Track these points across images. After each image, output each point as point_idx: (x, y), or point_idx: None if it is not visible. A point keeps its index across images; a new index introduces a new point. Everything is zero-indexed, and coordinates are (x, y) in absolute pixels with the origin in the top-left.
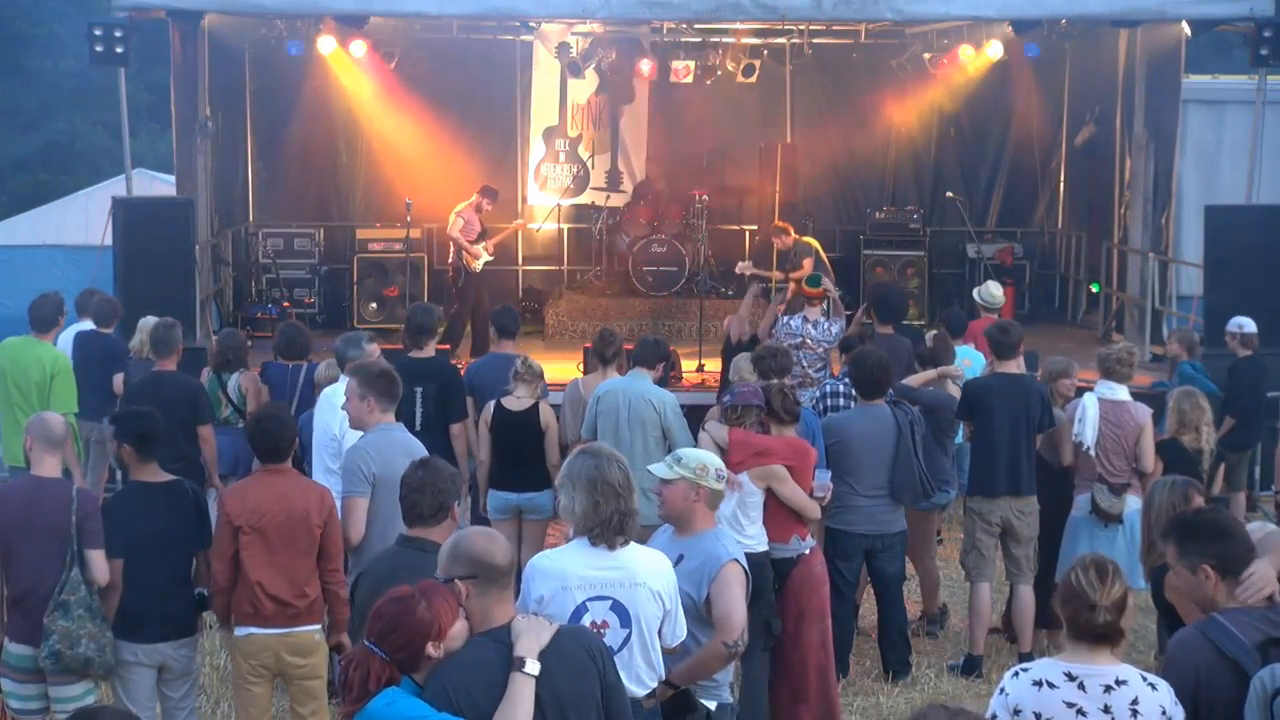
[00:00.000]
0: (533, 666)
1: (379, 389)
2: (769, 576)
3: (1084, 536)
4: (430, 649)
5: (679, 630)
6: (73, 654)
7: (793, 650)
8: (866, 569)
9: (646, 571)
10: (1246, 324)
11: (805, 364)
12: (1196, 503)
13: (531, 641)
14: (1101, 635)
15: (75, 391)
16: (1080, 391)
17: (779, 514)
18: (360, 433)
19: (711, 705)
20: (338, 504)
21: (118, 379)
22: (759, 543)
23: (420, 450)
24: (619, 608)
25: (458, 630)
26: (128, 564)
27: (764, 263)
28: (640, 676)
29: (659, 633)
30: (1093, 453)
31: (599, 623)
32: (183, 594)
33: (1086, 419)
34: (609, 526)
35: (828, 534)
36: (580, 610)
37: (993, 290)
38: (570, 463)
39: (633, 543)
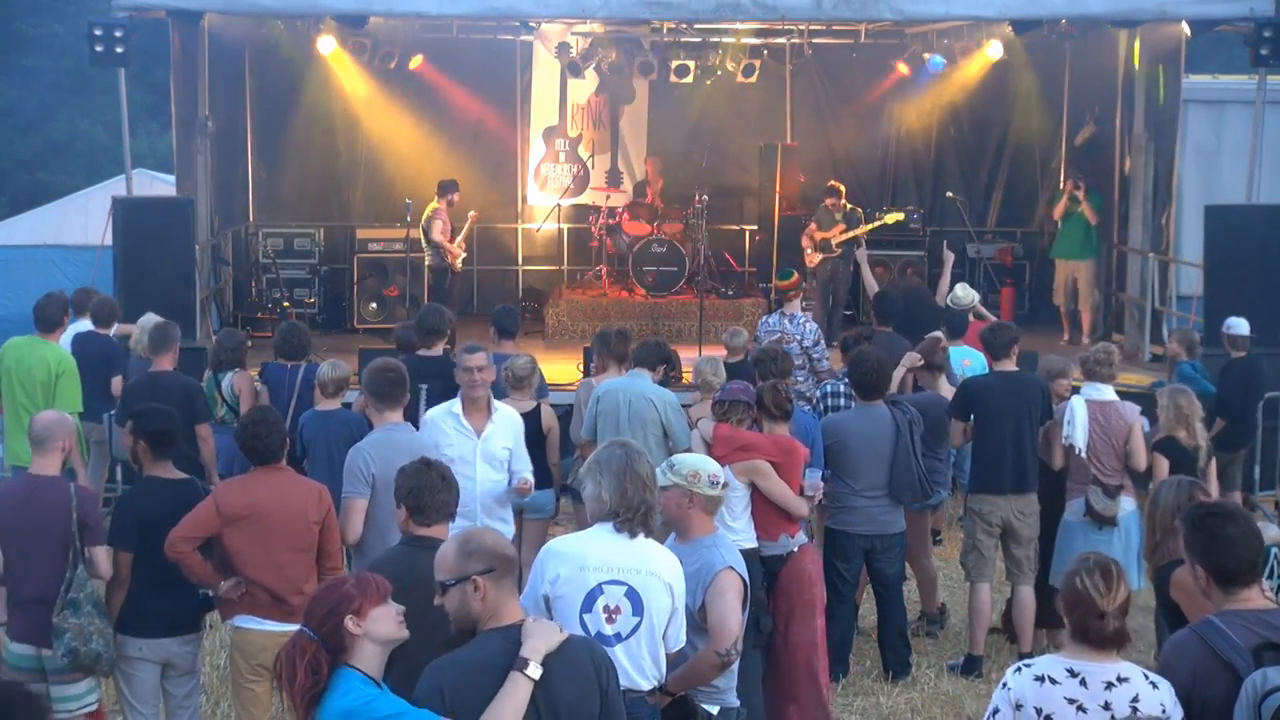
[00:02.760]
0: (535, 670)
1: (370, 387)
2: (758, 574)
3: (1079, 540)
4: (350, 624)
5: (681, 635)
6: (86, 650)
7: (783, 649)
8: (866, 569)
9: (660, 564)
10: (1234, 325)
11: None
12: (1198, 501)
13: (539, 644)
14: (1109, 641)
15: (80, 391)
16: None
17: (768, 511)
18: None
19: (714, 710)
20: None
21: (116, 381)
22: (746, 539)
23: (425, 448)
24: (633, 594)
25: (380, 615)
26: (136, 559)
27: (826, 224)
28: (645, 669)
29: (664, 634)
30: (1083, 455)
31: (612, 607)
32: (189, 590)
33: (1076, 421)
34: (636, 514)
35: (827, 534)
36: (595, 592)
37: (958, 293)
38: (599, 453)
39: (651, 537)
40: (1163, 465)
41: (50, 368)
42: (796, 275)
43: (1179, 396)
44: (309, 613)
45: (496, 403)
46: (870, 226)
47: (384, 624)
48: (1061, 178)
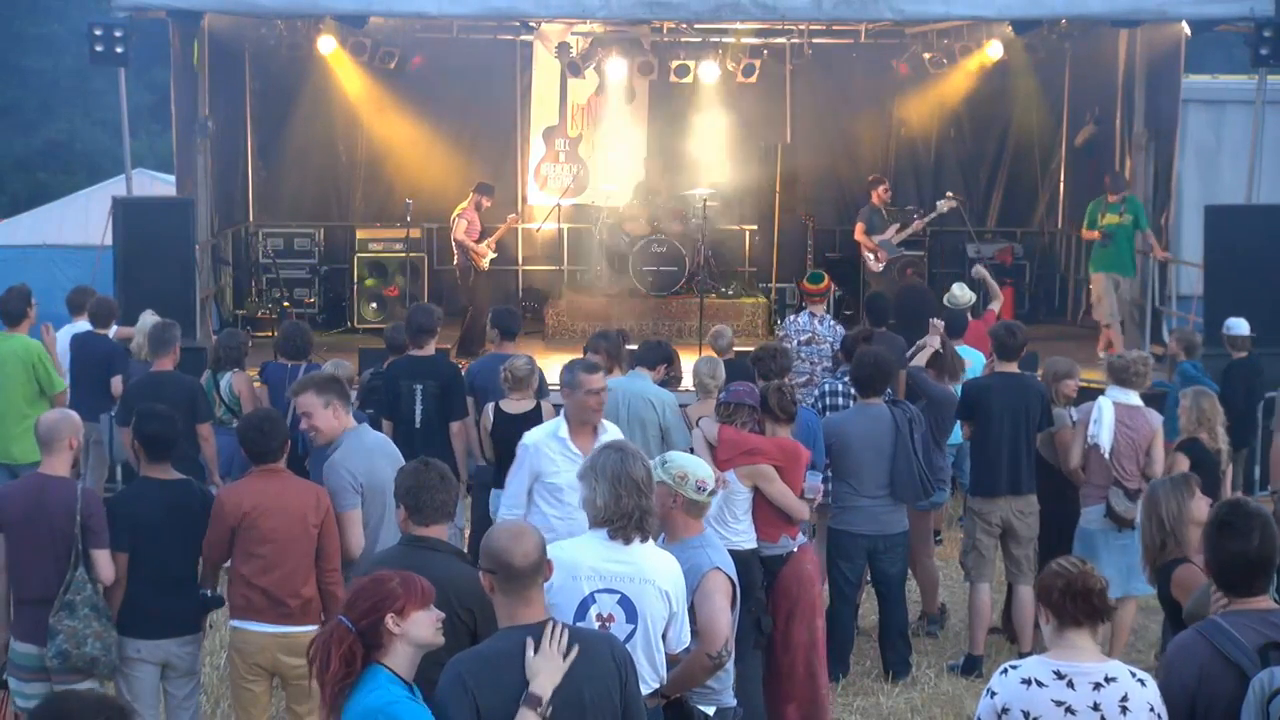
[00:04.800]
0: (547, 709)
1: (340, 391)
2: (758, 574)
3: (1099, 544)
4: (390, 623)
5: (684, 636)
6: (79, 653)
7: (782, 649)
8: (869, 569)
9: (656, 570)
10: (1234, 326)
11: (814, 360)
12: (1196, 495)
13: (547, 681)
14: (1095, 612)
15: (53, 370)
16: (1085, 393)
17: (768, 513)
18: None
19: (710, 711)
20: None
21: (116, 381)
22: (746, 540)
23: (392, 447)
24: (626, 603)
25: (421, 618)
26: (132, 559)
27: (878, 223)
28: (643, 675)
29: (664, 636)
30: (1107, 456)
31: (605, 616)
32: (187, 592)
33: (1103, 422)
34: (630, 521)
35: (830, 534)
36: (588, 602)
37: (955, 293)
38: (594, 456)
39: (648, 542)
40: (1183, 466)
41: (20, 357)
42: (827, 279)
43: (1202, 399)
44: (350, 604)
45: (605, 422)
46: (928, 219)
47: (423, 628)
48: (1062, 178)
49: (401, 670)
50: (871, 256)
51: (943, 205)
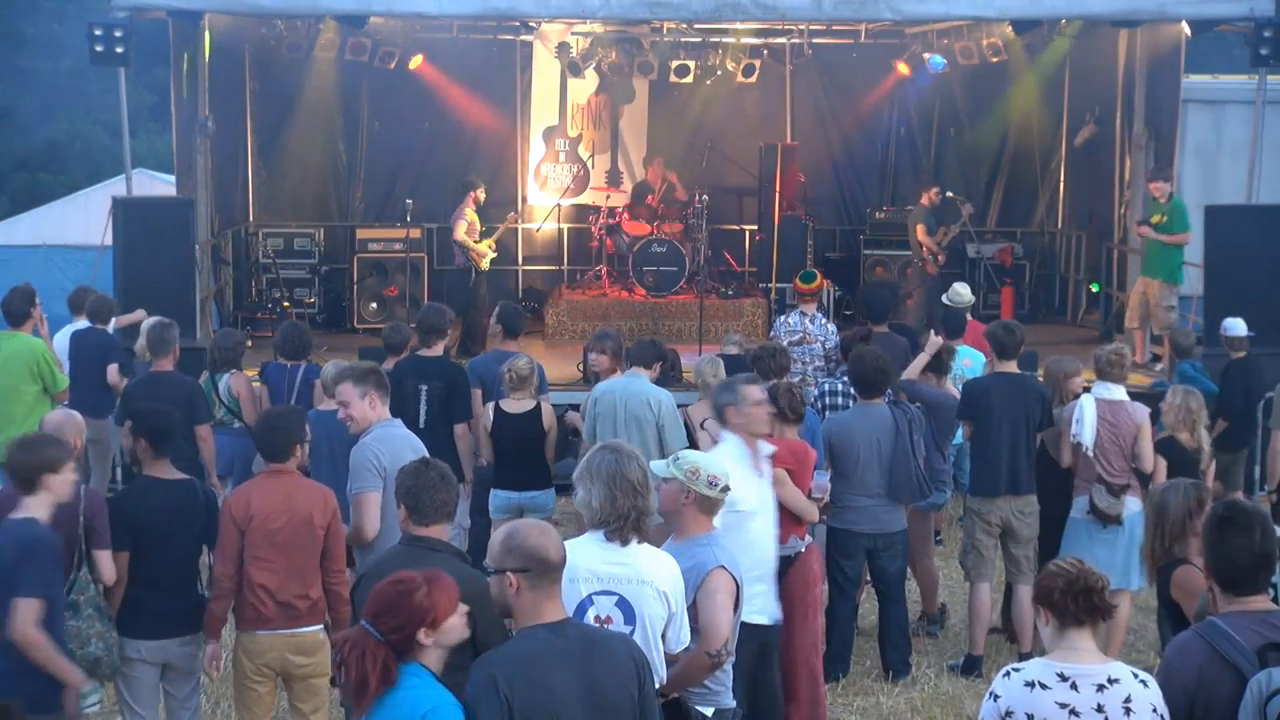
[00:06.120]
0: None
1: (377, 383)
2: None
3: (1084, 538)
4: (422, 636)
5: (683, 636)
6: (83, 654)
7: (785, 649)
8: (868, 568)
9: (653, 571)
10: (1231, 327)
11: (806, 359)
12: (1208, 507)
13: None
14: (1097, 610)
15: (56, 369)
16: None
17: (779, 516)
18: None
19: (708, 711)
20: None
21: (112, 369)
22: None
23: (419, 443)
24: (624, 604)
25: (453, 624)
26: (133, 559)
27: (931, 223)
28: None
29: (664, 636)
30: (1090, 453)
31: (603, 617)
32: (189, 592)
33: (1085, 419)
34: (626, 522)
35: (830, 533)
36: (585, 604)
37: (959, 290)
38: (590, 457)
39: (645, 543)
40: (1161, 465)
41: (23, 357)
42: (820, 278)
43: (1190, 398)
44: (376, 616)
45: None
46: (961, 222)
47: (454, 633)
48: (1062, 178)
49: (436, 668)
50: (932, 259)
51: (964, 209)
